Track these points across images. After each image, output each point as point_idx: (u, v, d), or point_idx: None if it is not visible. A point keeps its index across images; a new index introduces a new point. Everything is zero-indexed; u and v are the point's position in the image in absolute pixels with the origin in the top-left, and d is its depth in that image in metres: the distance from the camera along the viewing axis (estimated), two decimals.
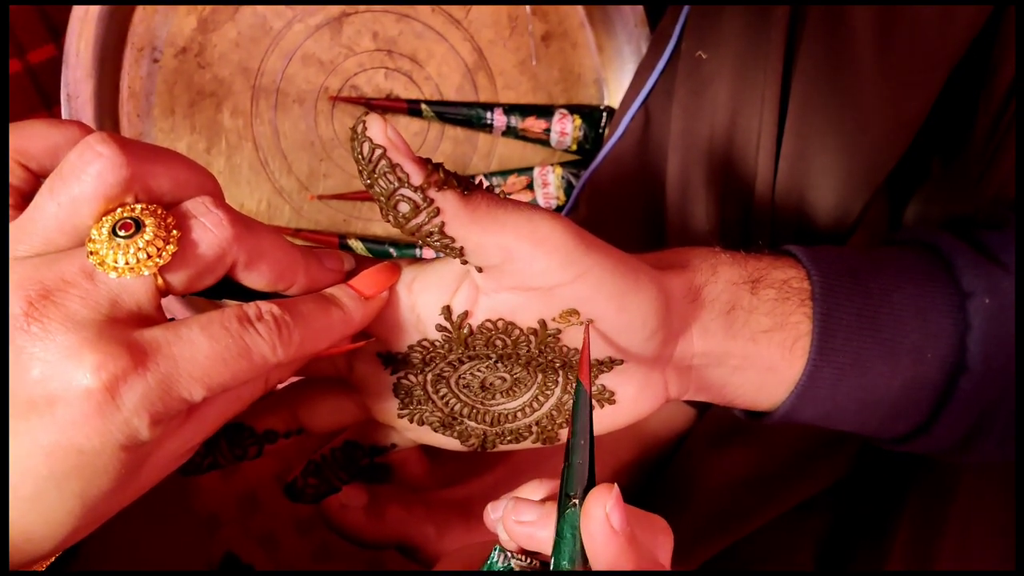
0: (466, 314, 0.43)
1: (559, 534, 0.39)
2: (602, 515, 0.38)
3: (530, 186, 0.74)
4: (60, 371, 0.34)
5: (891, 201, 0.69)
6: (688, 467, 0.67)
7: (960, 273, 0.50)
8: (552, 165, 0.74)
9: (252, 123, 0.69)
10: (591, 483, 0.39)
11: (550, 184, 0.74)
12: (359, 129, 0.39)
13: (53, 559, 0.39)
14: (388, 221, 0.40)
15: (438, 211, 0.39)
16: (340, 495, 0.59)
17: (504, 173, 0.74)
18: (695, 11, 0.68)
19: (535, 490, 0.43)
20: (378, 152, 0.38)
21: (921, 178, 0.68)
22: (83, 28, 0.64)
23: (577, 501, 0.39)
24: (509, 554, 0.42)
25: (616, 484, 0.38)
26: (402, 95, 0.72)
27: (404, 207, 0.39)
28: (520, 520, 0.41)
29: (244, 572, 0.70)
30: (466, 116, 0.73)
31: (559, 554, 0.39)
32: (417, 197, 0.39)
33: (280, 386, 0.45)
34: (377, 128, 0.39)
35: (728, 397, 0.50)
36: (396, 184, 0.39)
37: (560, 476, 0.40)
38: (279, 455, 0.63)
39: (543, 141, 0.74)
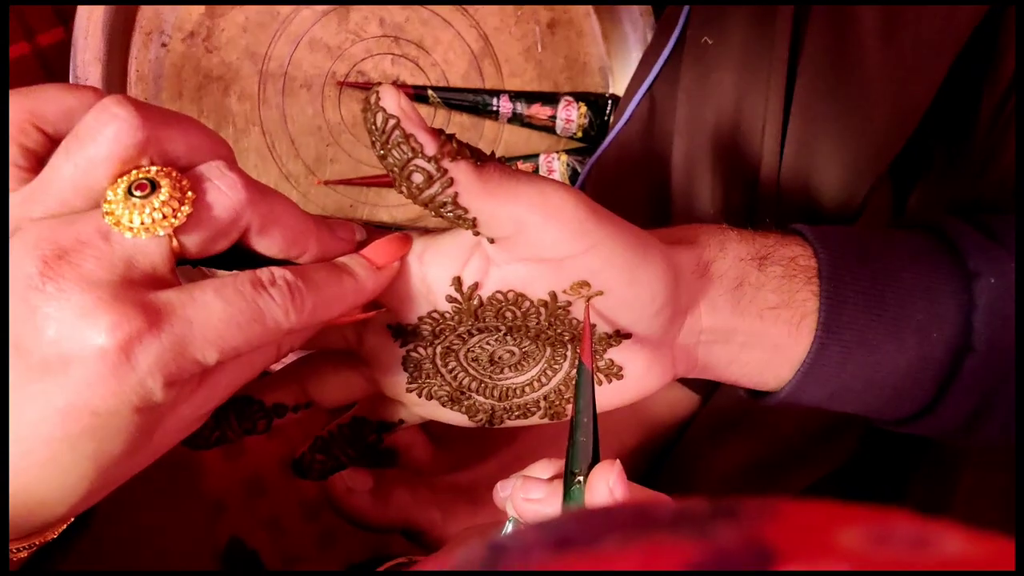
0: (476, 285, 0.43)
1: (565, 511, 0.39)
2: (605, 489, 0.38)
3: (535, 172, 0.74)
4: (75, 331, 0.34)
5: (895, 188, 0.69)
6: (691, 454, 0.68)
7: (966, 254, 0.50)
8: (557, 152, 0.75)
9: (259, 108, 0.70)
10: (595, 460, 0.39)
11: (555, 171, 0.74)
12: (372, 100, 0.39)
13: (64, 526, 0.40)
14: (401, 192, 0.40)
15: (451, 181, 0.39)
16: (346, 478, 0.59)
17: (510, 160, 0.74)
18: None
19: (544, 469, 0.43)
20: (392, 122, 0.39)
21: (925, 165, 0.68)
22: (92, 12, 0.64)
23: (581, 478, 0.39)
24: (522, 527, 0.42)
25: (618, 460, 0.39)
26: (408, 81, 0.72)
27: (418, 177, 0.39)
28: (528, 498, 0.41)
29: (249, 557, 0.70)
30: (472, 103, 0.73)
31: None
32: (431, 167, 0.39)
33: (288, 359, 0.46)
34: (391, 99, 0.39)
35: (735, 375, 0.50)
36: (410, 154, 0.39)
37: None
38: (285, 439, 0.63)
39: (549, 128, 0.74)
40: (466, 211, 0.40)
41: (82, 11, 0.64)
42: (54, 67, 0.66)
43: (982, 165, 0.62)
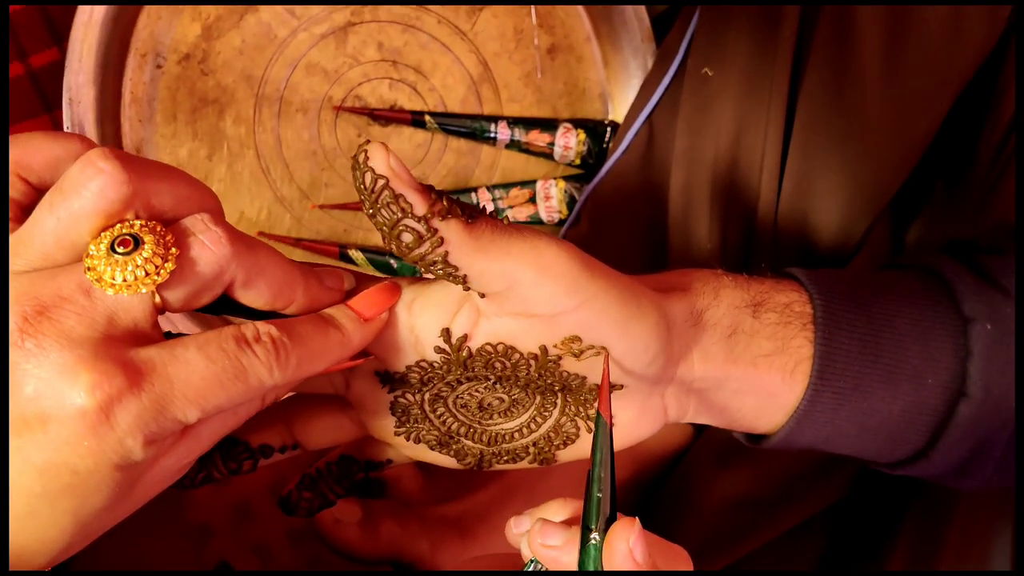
0: (465, 337, 0.43)
1: (581, 567, 0.39)
2: (625, 549, 0.37)
3: (532, 199, 0.74)
4: (54, 389, 0.33)
5: (894, 224, 0.69)
6: (685, 487, 0.67)
7: (961, 299, 0.50)
8: (555, 179, 0.74)
9: (255, 131, 0.69)
10: (613, 515, 0.39)
11: (552, 198, 0.74)
12: (361, 159, 0.38)
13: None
14: (391, 250, 0.39)
15: (441, 241, 0.39)
16: (334, 510, 0.58)
17: (507, 186, 0.74)
18: (702, 28, 0.68)
19: (559, 510, 0.42)
20: (380, 183, 0.38)
21: (924, 201, 0.68)
22: (86, 32, 0.63)
23: (597, 535, 0.39)
24: (542, 568, 0.42)
25: (637, 518, 0.38)
26: (406, 106, 0.72)
27: (407, 237, 0.39)
28: (546, 544, 0.40)
29: None
30: (470, 128, 0.72)
31: None
32: (420, 228, 0.38)
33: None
34: (379, 158, 0.38)
35: (727, 420, 0.50)
36: (399, 215, 0.38)
37: (581, 497, 0.40)
38: (274, 466, 0.63)
39: (547, 155, 0.74)
40: (457, 269, 0.39)
41: (76, 32, 0.63)
42: (47, 89, 0.66)
43: (982, 202, 0.62)
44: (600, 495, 0.39)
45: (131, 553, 0.59)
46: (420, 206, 0.38)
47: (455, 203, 0.39)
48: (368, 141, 0.38)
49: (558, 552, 0.40)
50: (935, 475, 0.52)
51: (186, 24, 0.67)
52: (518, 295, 0.40)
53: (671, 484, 0.68)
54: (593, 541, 0.38)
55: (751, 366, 0.47)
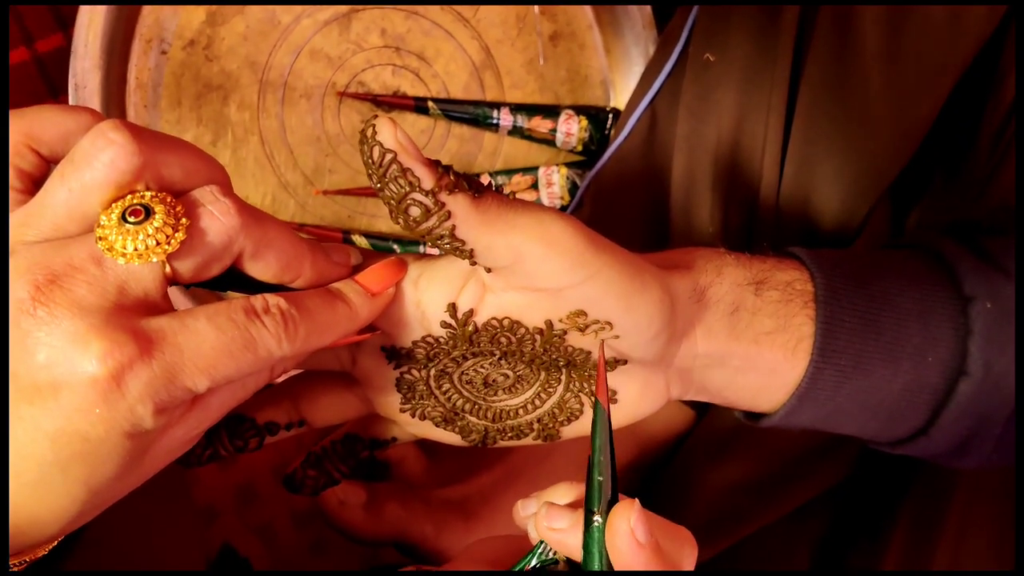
0: (471, 312, 0.43)
1: (586, 549, 0.39)
2: (627, 529, 0.38)
3: (535, 185, 0.74)
4: (66, 357, 0.34)
5: (894, 208, 0.69)
6: (686, 470, 0.68)
7: (962, 278, 0.50)
8: (557, 165, 0.74)
9: (259, 117, 0.69)
10: (614, 499, 0.39)
11: (554, 184, 0.74)
12: (369, 133, 0.38)
13: (55, 543, 0.40)
14: (398, 224, 0.40)
15: (449, 215, 0.39)
16: (339, 492, 0.59)
17: (509, 172, 0.74)
18: (704, 13, 0.68)
19: (565, 493, 0.43)
20: (388, 157, 0.38)
21: (925, 185, 0.68)
22: (92, 18, 0.64)
23: (599, 518, 0.39)
24: (551, 551, 0.42)
25: (637, 499, 0.38)
26: (409, 92, 0.72)
27: (415, 211, 0.39)
28: (552, 527, 0.41)
29: (241, 565, 0.70)
30: (472, 115, 0.73)
31: (587, 569, 0.39)
32: (428, 201, 0.39)
33: (282, 378, 0.46)
34: (387, 132, 0.38)
35: (730, 398, 0.50)
36: (407, 189, 0.39)
37: (583, 479, 0.40)
38: (278, 448, 0.63)
39: (549, 141, 0.74)
40: (463, 243, 0.40)
41: (82, 18, 0.64)
42: (53, 74, 0.66)
43: (982, 186, 0.62)
44: (601, 479, 0.40)
45: (138, 534, 0.59)
46: (428, 180, 0.38)
47: (462, 177, 0.39)
48: (376, 116, 0.39)
49: (563, 535, 0.40)
50: (935, 454, 0.53)
51: (191, 10, 0.68)
52: (524, 269, 0.41)
53: (673, 467, 0.68)
54: (596, 523, 0.39)
55: (753, 343, 0.47)
